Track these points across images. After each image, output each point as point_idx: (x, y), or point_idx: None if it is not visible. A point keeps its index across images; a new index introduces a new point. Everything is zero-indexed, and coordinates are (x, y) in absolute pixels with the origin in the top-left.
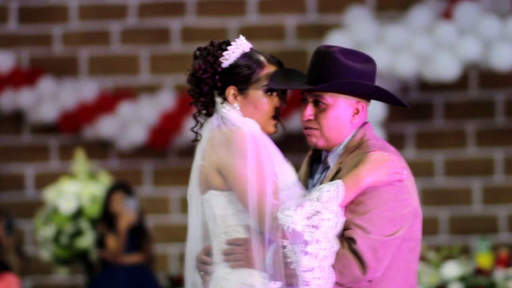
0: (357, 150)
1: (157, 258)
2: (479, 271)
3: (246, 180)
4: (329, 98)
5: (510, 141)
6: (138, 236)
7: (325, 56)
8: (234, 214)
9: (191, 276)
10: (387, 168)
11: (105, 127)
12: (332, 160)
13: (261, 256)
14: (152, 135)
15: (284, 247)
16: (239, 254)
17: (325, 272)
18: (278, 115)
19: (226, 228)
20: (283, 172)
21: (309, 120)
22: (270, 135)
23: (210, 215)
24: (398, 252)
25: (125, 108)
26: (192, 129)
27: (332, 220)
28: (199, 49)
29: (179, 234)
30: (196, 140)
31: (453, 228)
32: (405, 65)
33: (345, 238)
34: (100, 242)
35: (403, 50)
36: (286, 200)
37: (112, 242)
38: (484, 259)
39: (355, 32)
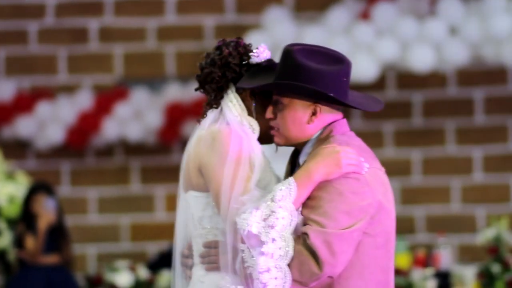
0: (319, 147)
1: (75, 258)
2: (396, 272)
3: (220, 182)
4: (285, 98)
5: (427, 141)
6: (57, 236)
7: (285, 55)
8: (210, 216)
9: (179, 279)
10: (337, 160)
11: (23, 127)
12: (302, 159)
13: (231, 260)
14: (70, 135)
15: (242, 251)
16: (213, 257)
17: (282, 271)
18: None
19: (202, 231)
20: (258, 177)
21: (271, 119)
22: (271, 143)
23: (189, 216)
24: (362, 247)
25: (43, 108)
26: (198, 120)
27: (286, 219)
28: (223, 40)
29: (97, 234)
30: (199, 121)
31: None
32: None
33: (301, 234)
34: (19, 242)
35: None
36: (246, 204)
37: (30, 242)
38: (401, 260)
39: (274, 32)
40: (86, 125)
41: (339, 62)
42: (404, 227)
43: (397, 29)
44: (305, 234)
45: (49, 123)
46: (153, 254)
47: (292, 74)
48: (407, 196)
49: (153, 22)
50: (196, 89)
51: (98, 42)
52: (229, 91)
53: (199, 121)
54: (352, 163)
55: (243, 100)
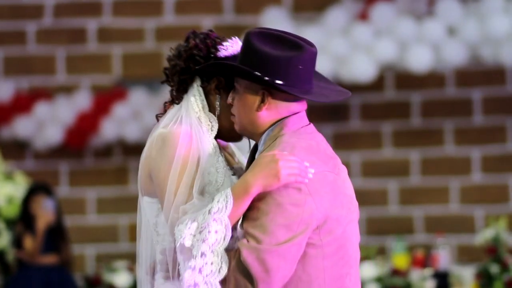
0: (267, 148)
1: (73, 259)
2: (395, 272)
3: (165, 188)
4: (239, 84)
5: (425, 142)
6: (55, 236)
7: (244, 38)
8: (164, 223)
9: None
10: (275, 170)
11: (21, 127)
12: (257, 155)
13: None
14: (68, 136)
15: (178, 264)
16: (166, 265)
17: (211, 287)
18: None
19: (157, 237)
20: (211, 182)
21: (230, 105)
22: (237, 141)
23: (145, 222)
24: (308, 259)
25: (41, 109)
26: (157, 116)
27: (220, 233)
28: (193, 32)
29: (96, 234)
30: (159, 116)
31: (370, 229)
32: (321, 66)
33: (236, 250)
34: (17, 243)
35: (319, 51)
36: (187, 213)
37: (29, 242)
38: (400, 260)
39: None
40: (85, 126)
41: (296, 48)
42: (402, 227)
43: (395, 29)
44: (238, 250)
45: (48, 123)
46: None
47: (245, 58)
48: (405, 197)
49: (151, 22)
50: (162, 82)
51: (97, 43)
52: (194, 85)
53: (157, 119)
54: (293, 172)
55: (208, 94)
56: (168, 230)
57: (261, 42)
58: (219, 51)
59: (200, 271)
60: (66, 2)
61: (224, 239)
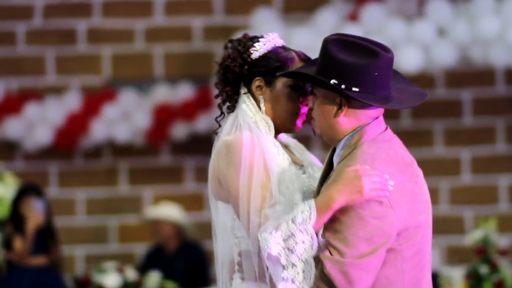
0: (347, 156)
1: (63, 260)
2: None
3: (237, 194)
4: (318, 90)
5: (415, 143)
6: (45, 238)
7: (322, 45)
8: (240, 226)
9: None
10: (359, 187)
11: (11, 128)
12: (335, 159)
13: (262, 270)
14: (58, 137)
15: (267, 268)
16: (247, 266)
17: None
18: (301, 112)
19: (235, 240)
20: (281, 182)
21: (310, 110)
22: (291, 132)
23: (222, 225)
24: (387, 263)
25: (31, 109)
26: (216, 119)
27: (307, 243)
28: (230, 40)
29: (85, 235)
30: (216, 132)
31: None
32: None
33: (319, 261)
34: (7, 244)
35: (309, 52)
36: (269, 218)
37: (19, 243)
38: None
39: (262, 33)
40: (74, 126)
41: (373, 55)
42: None
43: (385, 30)
44: (321, 262)
45: (37, 124)
46: (141, 255)
47: (323, 65)
48: None
49: (141, 23)
50: (216, 96)
51: (86, 43)
52: (240, 92)
53: (217, 122)
54: (376, 187)
55: (252, 95)
56: (247, 234)
57: (337, 49)
58: (252, 53)
59: (293, 281)
60: (55, 3)
61: (312, 248)
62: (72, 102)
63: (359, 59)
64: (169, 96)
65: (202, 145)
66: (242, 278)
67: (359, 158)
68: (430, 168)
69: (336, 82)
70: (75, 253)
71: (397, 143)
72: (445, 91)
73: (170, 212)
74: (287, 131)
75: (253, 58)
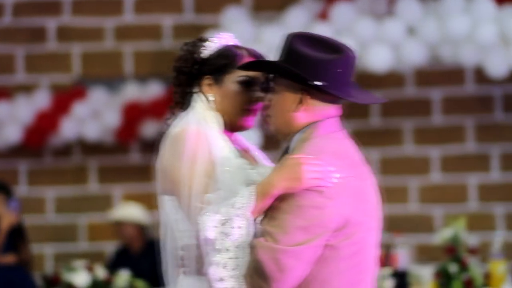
0: (296, 148)
1: (32, 258)
2: None
3: (179, 181)
4: (277, 84)
5: (385, 141)
6: (15, 236)
7: (285, 40)
8: (183, 219)
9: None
10: (298, 174)
11: None
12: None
13: (202, 263)
14: (28, 135)
15: (202, 259)
16: (188, 261)
17: (238, 282)
18: (252, 109)
19: (178, 233)
20: (225, 171)
21: (266, 106)
22: (244, 130)
23: (166, 219)
24: (324, 261)
25: (0, 108)
26: (165, 121)
27: (244, 228)
28: (185, 43)
29: (55, 234)
30: (162, 133)
31: None
32: None
33: (252, 247)
34: None
35: (279, 51)
36: (211, 203)
37: None
38: None
39: (232, 32)
40: (44, 125)
41: (337, 51)
42: None
43: (355, 29)
44: (255, 248)
45: (7, 122)
46: (110, 254)
47: (286, 59)
48: None
49: (111, 21)
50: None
51: (56, 42)
52: (195, 90)
53: (166, 123)
54: (316, 176)
55: (205, 92)
56: (188, 220)
57: (302, 44)
58: (201, 53)
59: (224, 265)
60: (25, 1)
61: (247, 234)
62: (41, 100)
63: (323, 54)
64: (139, 94)
65: None
66: (185, 273)
67: (305, 149)
68: (399, 167)
69: (301, 74)
70: (45, 252)
71: (349, 144)
72: (414, 90)
73: (132, 213)
74: (239, 128)
75: (203, 57)
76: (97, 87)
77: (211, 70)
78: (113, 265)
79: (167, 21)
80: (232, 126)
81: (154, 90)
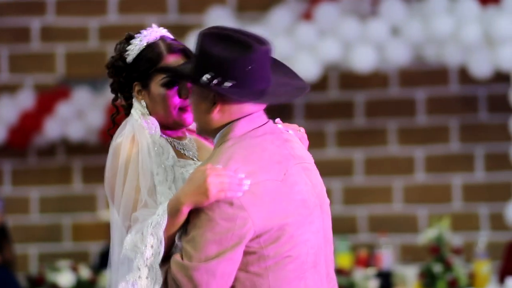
0: (209, 157)
1: (16, 258)
2: (339, 271)
3: (113, 198)
4: (192, 85)
5: (369, 142)
6: None
7: (197, 39)
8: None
9: None
10: (204, 188)
11: None
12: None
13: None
14: (12, 135)
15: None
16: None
17: None
18: (183, 107)
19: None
20: (160, 182)
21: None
22: (185, 127)
23: (114, 227)
24: (249, 267)
25: None
26: (108, 131)
27: (155, 247)
28: (116, 44)
29: (39, 234)
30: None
31: None
32: None
33: (168, 265)
34: None
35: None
36: (138, 221)
37: None
38: (343, 259)
39: None
40: (28, 125)
41: (246, 48)
42: (346, 227)
43: (339, 29)
44: (170, 266)
45: None
46: (95, 254)
47: (198, 60)
48: (349, 196)
49: (95, 21)
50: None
51: (40, 42)
52: (133, 95)
53: (110, 135)
54: (223, 188)
55: (137, 98)
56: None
57: (211, 43)
58: (126, 58)
59: (133, 285)
60: (9, 1)
61: (159, 254)
62: (25, 100)
63: (231, 53)
64: None
65: None
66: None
67: (216, 157)
68: (384, 167)
69: (209, 77)
70: (29, 252)
71: (270, 140)
72: (399, 90)
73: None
74: (178, 127)
75: (127, 63)
76: (81, 87)
77: (136, 76)
78: (100, 266)
79: (151, 21)
80: (170, 126)
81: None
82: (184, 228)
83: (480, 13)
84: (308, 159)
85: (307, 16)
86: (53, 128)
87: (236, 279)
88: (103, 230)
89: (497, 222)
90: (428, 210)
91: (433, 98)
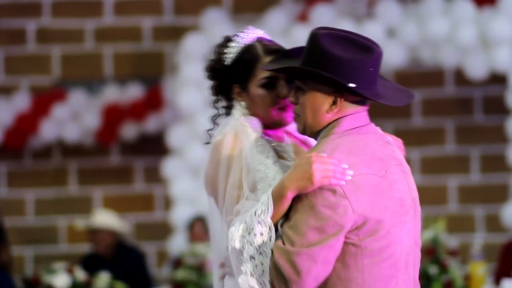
0: (313, 148)
1: (12, 260)
2: None
3: (216, 194)
4: (307, 84)
5: None
6: None
7: (310, 39)
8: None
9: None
10: (309, 174)
11: None
12: None
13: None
14: (7, 137)
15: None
16: (230, 262)
17: (267, 287)
18: (283, 106)
19: (222, 236)
20: (262, 179)
21: (294, 105)
22: (285, 125)
23: (213, 220)
24: (347, 258)
25: None
26: (207, 131)
27: (265, 234)
28: (215, 47)
29: (35, 236)
30: (207, 143)
31: None
32: None
33: (272, 251)
34: None
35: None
36: (240, 213)
37: None
38: None
39: (212, 34)
40: (24, 127)
41: (366, 50)
42: None
43: None
44: (273, 252)
45: None
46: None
47: (315, 60)
48: None
49: (91, 23)
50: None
51: (36, 43)
52: (233, 96)
53: (209, 131)
54: (327, 175)
55: (237, 99)
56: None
57: (330, 43)
58: (224, 61)
59: (252, 274)
60: (5, 3)
61: (270, 240)
62: (21, 102)
63: (354, 55)
64: (118, 96)
65: (151, 145)
66: (228, 274)
67: (321, 147)
68: None
69: (337, 78)
70: (24, 254)
71: (373, 138)
72: None
73: (109, 220)
74: (278, 126)
75: (226, 65)
76: (77, 89)
77: (235, 79)
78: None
79: (147, 22)
80: (273, 125)
81: (134, 92)
82: (287, 215)
83: (475, 15)
84: (406, 164)
85: (302, 17)
86: (49, 130)
87: (334, 271)
88: (94, 238)
89: (493, 223)
90: (423, 211)
91: (429, 100)
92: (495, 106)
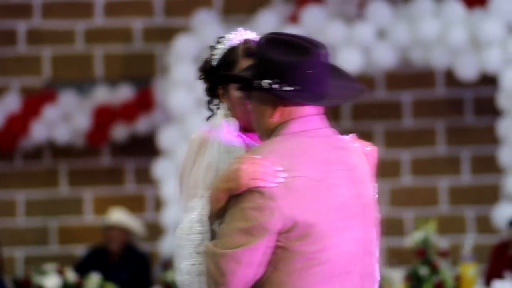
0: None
1: (2, 261)
2: None
3: (181, 188)
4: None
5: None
6: None
7: (256, 45)
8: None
9: None
10: (236, 176)
11: None
12: None
13: None
14: None
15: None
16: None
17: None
18: None
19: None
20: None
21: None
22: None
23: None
24: (278, 262)
25: None
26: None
27: (202, 234)
28: (210, 47)
29: (25, 237)
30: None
31: None
32: None
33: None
34: None
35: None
36: (193, 211)
37: None
38: None
39: (202, 35)
40: (14, 128)
41: (305, 53)
42: None
43: (325, 32)
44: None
45: None
46: (81, 257)
47: (258, 66)
48: None
49: (81, 24)
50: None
51: (26, 44)
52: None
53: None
54: (256, 176)
55: (222, 100)
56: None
57: (270, 48)
58: (212, 61)
59: (187, 272)
60: None
61: (206, 239)
62: (11, 103)
63: (290, 57)
64: (109, 97)
65: (142, 146)
66: None
67: (259, 149)
68: None
69: (270, 82)
70: (15, 255)
71: (320, 142)
72: (385, 92)
73: (126, 219)
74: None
75: (212, 67)
76: (67, 90)
77: (218, 81)
78: (84, 268)
79: (137, 24)
80: (251, 129)
81: (124, 93)
82: (223, 215)
83: (466, 16)
84: (363, 171)
85: (293, 19)
86: (40, 131)
87: (265, 274)
88: (90, 233)
89: (484, 224)
90: (414, 212)
91: (420, 101)
92: (486, 107)
